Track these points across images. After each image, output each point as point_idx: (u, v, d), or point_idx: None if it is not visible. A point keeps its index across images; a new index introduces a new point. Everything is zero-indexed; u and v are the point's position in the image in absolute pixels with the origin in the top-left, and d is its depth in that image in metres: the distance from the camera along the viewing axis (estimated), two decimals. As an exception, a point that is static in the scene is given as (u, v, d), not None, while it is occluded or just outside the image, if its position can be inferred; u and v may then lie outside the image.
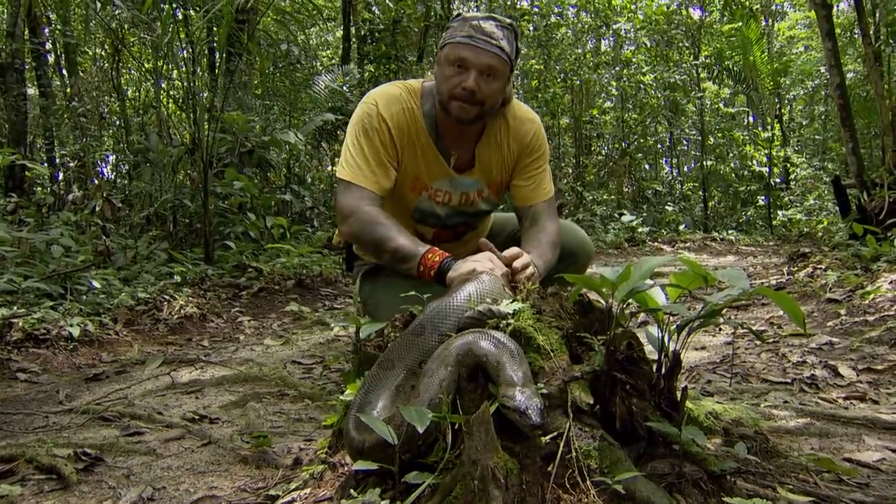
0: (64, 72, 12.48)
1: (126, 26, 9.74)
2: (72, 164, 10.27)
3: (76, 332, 4.09)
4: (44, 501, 1.96)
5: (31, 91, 11.47)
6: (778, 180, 17.58)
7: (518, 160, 2.66)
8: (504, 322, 1.67)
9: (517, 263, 2.14)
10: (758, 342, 3.79)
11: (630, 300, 1.61)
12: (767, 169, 16.45)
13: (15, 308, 4.21)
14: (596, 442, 1.50)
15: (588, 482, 1.42)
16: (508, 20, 2.41)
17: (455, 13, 2.49)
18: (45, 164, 10.68)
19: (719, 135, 17.77)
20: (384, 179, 2.45)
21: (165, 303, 5.13)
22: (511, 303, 1.73)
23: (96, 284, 5.00)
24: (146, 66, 11.53)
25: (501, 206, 3.01)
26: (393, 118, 2.46)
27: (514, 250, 2.20)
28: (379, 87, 2.57)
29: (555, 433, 1.49)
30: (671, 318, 1.69)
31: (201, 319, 5.10)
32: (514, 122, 2.63)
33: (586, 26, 17.08)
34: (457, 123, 2.47)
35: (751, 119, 19.93)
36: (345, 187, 2.45)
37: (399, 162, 2.52)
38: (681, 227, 14.66)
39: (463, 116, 2.42)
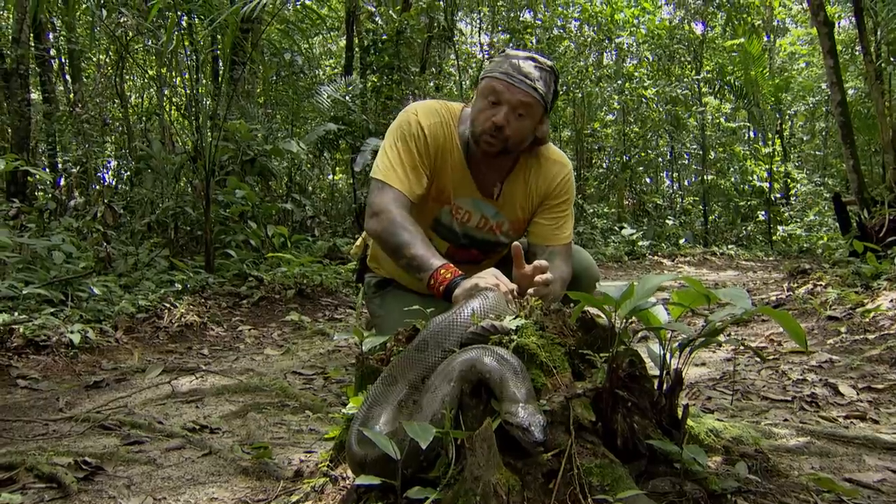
0: (68, 78, 12.51)
1: (131, 34, 9.75)
2: (74, 170, 10.27)
3: (77, 339, 4.10)
4: (44, 510, 1.96)
5: (35, 96, 11.50)
6: (778, 196, 17.60)
7: (543, 201, 2.69)
8: (507, 338, 1.68)
9: (540, 278, 2.15)
10: (758, 359, 3.79)
11: (632, 318, 1.61)
12: (768, 184, 16.47)
13: (16, 314, 4.22)
14: (597, 459, 1.50)
15: (589, 500, 1.42)
16: (549, 63, 2.46)
17: (501, 50, 2.60)
18: (48, 170, 10.69)
19: (720, 149, 17.80)
20: (416, 185, 2.50)
21: (166, 311, 5.14)
22: (514, 319, 1.74)
23: (97, 291, 5.00)
24: (150, 73, 11.57)
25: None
26: (431, 128, 2.53)
27: (543, 263, 2.22)
28: (423, 103, 2.66)
29: (556, 450, 1.50)
30: (673, 335, 1.70)
31: (202, 328, 5.10)
32: (544, 163, 2.66)
33: (589, 40, 17.15)
34: (483, 156, 2.53)
35: (752, 134, 19.96)
36: (378, 187, 2.49)
37: (431, 172, 2.57)
38: (681, 241, 14.68)
39: (488, 149, 2.47)
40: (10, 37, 8.88)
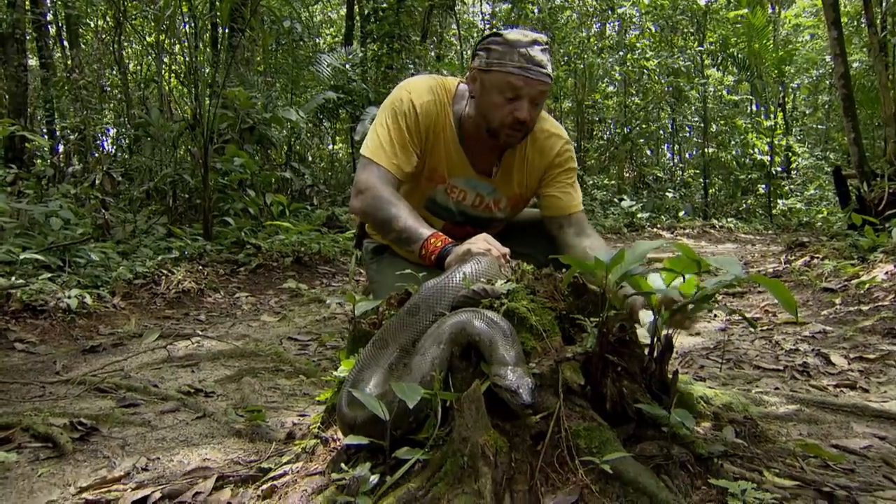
0: (65, 43, 12.41)
1: (128, -1, 9.69)
2: (72, 137, 10.23)
3: (74, 304, 4.11)
4: (39, 469, 1.98)
5: (32, 62, 11.41)
6: (779, 169, 17.56)
7: (544, 173, 2.66)
8: (498, 302, 1.68)
9: None
10: (752, 329, 3.81)
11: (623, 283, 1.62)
12: (769, 157, 16.42)
13: (13, 279, 4.23)
14: (585, 422, 1.51)
15: (576, 461, 1.44)
16: (545, 38, 2.40)
17: (492, 31, 2.50)
18: (46, 136, 10.65)
19: (722, 122, 17.72)
20: (405, 163, 2.47)
21: (163, 277, 5.15)
22: (506, 283, 1.74)
23: (95, 257, 5.01)
24: (148, 39, 11.47)
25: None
26: (423, 107, 2.48)
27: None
28: (415, 77, 2.62)
29: (545, 413, 1.51)
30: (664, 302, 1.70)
31: (199, 294, 5.12)
32: (540, 136, 2.63)
33: (591, 10, 16.97)
34: (478, 137, 2.51)
35: (754, 107, 19.86)
36: (365, 164, 2.47)
37: (422, 150, 2.54)
38: (680, 214, 14.67)
39: (511, 143, 2.48)
40: (6, 1, 8.79)
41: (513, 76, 2.32)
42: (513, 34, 2.36)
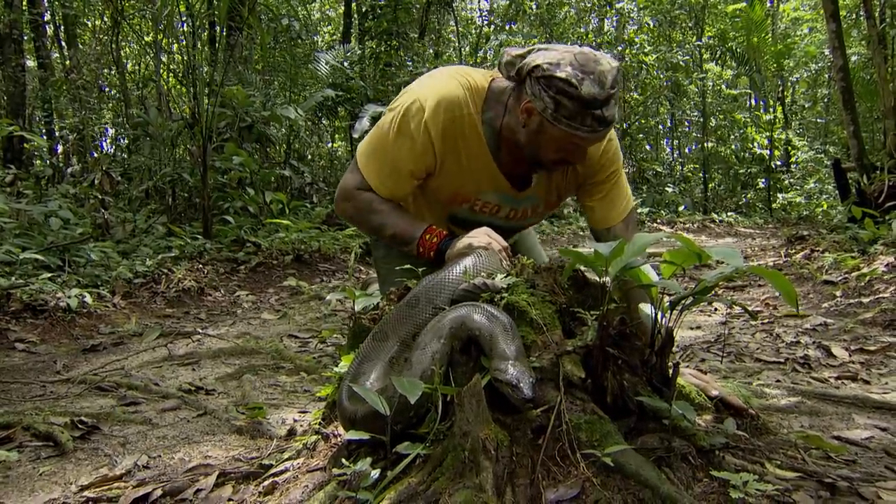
0: (63, 44, 12.40)
1: (125, -2, 9.67)
2: (71, 137, 10.22)
3: (74, 303, 4.11)
4: (40, 468, 1.98)
5: (30, 63, 11.40)
6: (779, 163, 17.55)
7: (585, 179, 2.38)
8: (498, 296, 1.68)
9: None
10: (752, 322, 3.81)
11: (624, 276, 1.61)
12: (768, 151, 16.40)
13: (13, 279, 4.22)
14: (586, 415, 1.51)
15: (578, 455, 1.44)
16: (618, 77, 2.03)
17: (564, 77, 1.94)
18: (44, 137, 10.64)
19: (721, 116, 17.71)
20: (399, 190, 2.24)
21: (163, 276, 5.15)
22: (506, 277, 1.74)
23: (94, 257, 5.01)
24: (146, 39, 11.46)
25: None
26: (439, 126, 2.13)
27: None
28: (440, 82, 2.20)
29: (546, 406, 1.50)
30: (664, 294, 1.70)
31: (199, 293, 5.12)
32: None
33: (589, 5, 16.95)
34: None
35: (753, 101, 19.84)
36: (354, 169, 2.26)
37: (434, 173, 2.25)
38: (680, 209, 14.66)
39: (557, 171, 2.30)
40: (4, 1, 8.77)
41: (579, 137, 2.02)
42: (589, 88, 1.93)
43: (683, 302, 1.67)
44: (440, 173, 2.24)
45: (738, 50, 15.96)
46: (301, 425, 2.23)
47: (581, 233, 11.16)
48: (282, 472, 1.71)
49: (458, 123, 2.15)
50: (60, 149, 10.84)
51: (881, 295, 4.02)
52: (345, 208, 2.29)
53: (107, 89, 12.29)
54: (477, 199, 2.34)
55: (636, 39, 16.74)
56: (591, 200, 2.40)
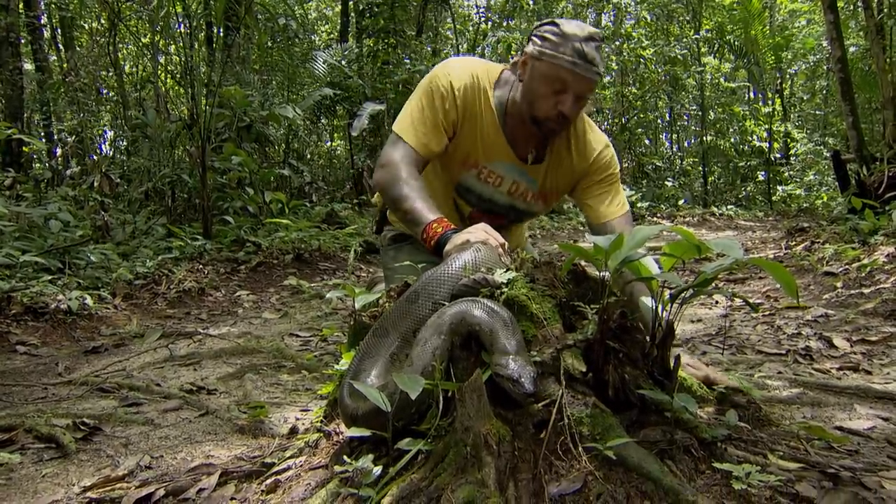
0: (60, 46, 12.39)
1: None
2: (69, 140, 10.21)
3: (74, 305, 4.11)
4: (43, 469, 1.98)
5: (28, 66, 11.39)
6: (778, 156, 17.54)
7: (582, 177, 2.62)
8: (498, 291, 1.68)
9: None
10: (753, 315, 3.81)
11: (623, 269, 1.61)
12: (767, 144, 16.39)
13: (14, 282, 4.22)
14: (588, 409, 1.50)
15: (580, 448, 1.43)
16: (601, 34, 2.34)
17: (550, 19, 2.35)
18: (43, 140, 10.63)
19: (719, 110, 17.69)
20: (433, 142, 2.45)
21: (164, 277, 5.15)
22: (505, 272, 1.73)
23: (94, 259, 5.01)
24: (143, 40, 11.45)
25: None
26: (462, 90, 2.45)
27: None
28: (460, 59, 2.56)
29: (547, 400, 1.50)
30: (665, 287, 1.69)
31: (200, 293, 5.12)
32: (583, 136, 2.59)
33: (586, 0, 16.93)
34: (521, 123, 2.47)
35: (751, 94, 19.82)
36: (394, 139, 2.46)
37: (455, 133, 2.51)
38: (680, 202, 14.67)
39: (551, 134, 2.45)
40: (0, 4, 8.76)
41: (563, 69, 2.27)
42: (570, 26, 2.30)
43: (684, 294, 1.66)
44: (459, 134, 2.50)
45: (735, 43, 15.95)
46: (303, 423, 2.23)
47: (580, 228, 11.16)
48: (284, 471, 1.71)
49: (476, 90, 2.46)
50: (59, 151, 10.83)
51: (882, 285, 4.01)
52: (380, 174, 2.45)
53: (105, 91, 12.28)
54: (484, 167, 2.57)
55: (634, 34, 16.71)
56: (590, 198, 2.60)
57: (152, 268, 5.21)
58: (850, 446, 1.77)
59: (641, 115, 17.20)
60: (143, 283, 5.01)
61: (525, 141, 2.54)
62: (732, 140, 17.74)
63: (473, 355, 1.57)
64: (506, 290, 1.67)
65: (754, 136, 17.02)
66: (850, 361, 2.78)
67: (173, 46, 10.02)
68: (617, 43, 16.47)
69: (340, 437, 1.72)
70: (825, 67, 17.70)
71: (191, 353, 3.46)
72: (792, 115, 19.06)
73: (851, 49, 13.64)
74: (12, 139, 7.55)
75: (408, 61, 11.63)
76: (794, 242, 6.48)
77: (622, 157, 17.57)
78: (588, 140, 2.59)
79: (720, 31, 16.56)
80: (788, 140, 17.63)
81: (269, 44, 11.35)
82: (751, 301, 4.02)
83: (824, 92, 19.18)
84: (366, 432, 1.47)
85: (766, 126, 16.61)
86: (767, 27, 15.52)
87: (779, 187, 16.19)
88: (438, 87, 2.44)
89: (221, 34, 9.61)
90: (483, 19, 17.03)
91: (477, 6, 18.93)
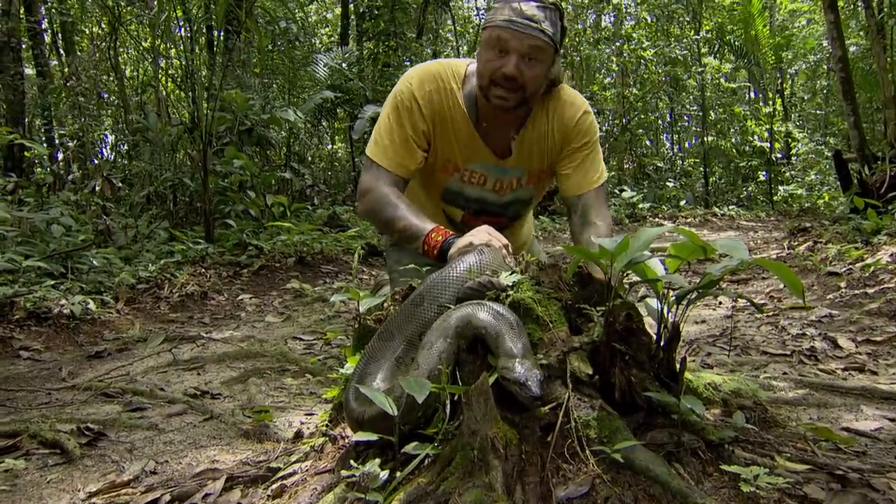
0: (61, 51, 12.40)
1: (123, 4, 9.65)
2: (71, 144, 10.23)
3: (77, 310, 4.11)
4: (48, 476, 1.98)
5: (29, 71, 11.40)
6: (779, 156, 17.52)
7: (562, 147, 2.52)
8: (503, 294, 1.67)
9: None
10: (758, 315, 3.80)
11: (629, 271, 1.60)
12: (769, 144, 16.38)
13: (16, 287, 4.22)
14: (595, 412, 1.50)
15: (587, 452, 1.43)
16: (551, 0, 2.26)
17: None
18: (44, 144, 10.64)
19: (720, 110, 17.67)
20: (408, 160, 2.40)
21: (166, 281, 5.14)
22: (510, 275, 1.73)
23: (97, 263, 5.01)
24: (144, 45, 11.46)
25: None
26: (425, 97, 2.39)
27: None
28: (421, 65, 2.50)
29: (554, 403, 1.50)
30: (670, 289, 1.69)
31: (202, 297, 5.11)
32: (559, 105, 2.48)
33: (586, 1, 16.94)
34: (494, 113, 2.38)
35: (752, 94, 19.81)
36: (368, 165, 2.43)
37: (430, 142, 2.45)
38: (682, 203, 14.64)
39: (503, 104, 2.31)
40: (1, 9, 8.77)
41: (499, 29, 2.21)
42: None
43: (689, 296, 1.66)
44: (434, 141, 2.46)
45: (736, 43, 15.94)
46: (308, 428, 2.23)
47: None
48: (290, 475, 1.70)
49: (441, 94, 2.41)
50: (61, 156, 10.84)
51: (886, 285, 4.00)
52: (363, 204, 2.43)
53: (106, 96, 12.29)
54: (465, 169, 2.53)
55: (634, 35, 16.71)
56: (566, 168, 2.54)
57: (155, 272, 5.21)
58: (857, 447, 1.76)
59: (642, 116, 17.19)
60: (145, 287, 5.01)
61: (500, 133, 2.46)
62: (733, 140, 17.72)
63: (479, 358, 1.57)
64: (511, 292, 1.67)
65: (755, 137, 17.00)
66: (855, 362, 2.78)
67: (174, 50, 10.03)
68: (617, 44, 16.48)
69: (346, 441, 1.71)
70: (826, 67, 17.69)
71: (194, 358, 3.46)
72: (793, 115, 19.06)
73: (852, 48, 13.65)
74: (14, 144, 7.56)
75: (408, 63, 11.64)
76: (796, 243, 6.47)
77: (623, 159, 17.58)
78: (566, 107, 2.50)
79: (720, 32, 16.56)
80: (789, 140, 17.61)
81: (270, 47, 11.36)
82: (752, 299, 4.02)
83: (825, 92, 19.18)
84: (372, 436, 1.46)
85: (767, 126, 16.59)
86: (767, 27, 15.51)
87: (780, 187, 16.17)
88: (402, 101, 2.40)
89: (222, 38, 9.63)
90: (484, 9, 17.03)
91: (477, 8, 18.94)
